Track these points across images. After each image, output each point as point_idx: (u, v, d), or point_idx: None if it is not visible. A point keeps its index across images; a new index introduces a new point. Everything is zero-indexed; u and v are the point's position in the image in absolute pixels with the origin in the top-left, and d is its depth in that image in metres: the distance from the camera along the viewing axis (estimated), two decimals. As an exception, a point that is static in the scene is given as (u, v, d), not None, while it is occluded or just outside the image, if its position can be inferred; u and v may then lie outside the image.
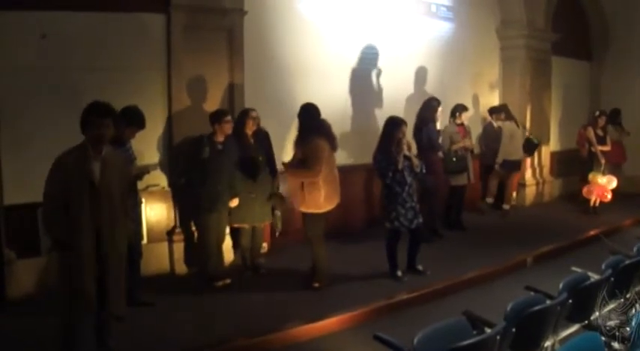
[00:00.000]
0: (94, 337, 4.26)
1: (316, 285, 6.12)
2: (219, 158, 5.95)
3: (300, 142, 6.02)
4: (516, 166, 9.70)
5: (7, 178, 5.51)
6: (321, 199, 5.95)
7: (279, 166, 6.48)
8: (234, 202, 6.15)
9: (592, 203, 9.99)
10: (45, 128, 5.59)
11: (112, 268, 4.18)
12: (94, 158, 4.10)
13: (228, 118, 6.05)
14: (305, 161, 5.88)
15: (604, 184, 9.71)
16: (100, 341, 4.32)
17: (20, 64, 5.54)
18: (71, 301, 4.10)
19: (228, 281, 6.14)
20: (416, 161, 6.27)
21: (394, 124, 6.30)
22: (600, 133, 10.19)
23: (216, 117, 6.00)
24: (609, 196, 9.79)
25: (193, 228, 6.37)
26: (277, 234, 6.91)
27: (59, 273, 4.20)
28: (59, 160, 4.06)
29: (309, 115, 6.00)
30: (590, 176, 9.84)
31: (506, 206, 9.83)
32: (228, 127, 6.02)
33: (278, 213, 6.60)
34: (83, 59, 5.86)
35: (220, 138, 6.00)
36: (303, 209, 6.06)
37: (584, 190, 9.93)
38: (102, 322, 4.30)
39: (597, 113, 10.43)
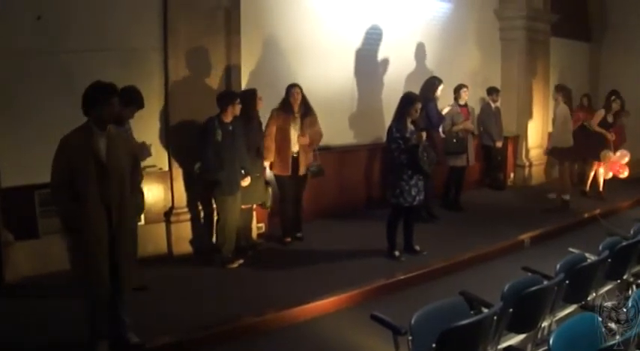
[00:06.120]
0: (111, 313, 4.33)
1: (289, 239, 6.97)
2: (232, 140, 6.00)
3: (308, 117, 6.80)
4: (570, 154, 9.09)
5: (4, 160, 5.45)
6: None
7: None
8: (247, 182, 6.20)
9: (587, 187, 9.97)
10: (41, 110, 5.53)
11: (123, 244, 4.23)
12: (99, 136, 4.11)
13: (238, 99, 6.10)
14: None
15: (617, 159, 9.67)
16: (114, 317, 4.35)
17: (16, 47, 5.45)
18: (87, 280, 4.16)
19: (241, 261, 6.25)
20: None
21: (411, 100, 6.45)
22: (610, 119, 9.75)
23: (229, 99, 6.03)
24: (625, 172, 9.76)
25: (200, 207, 6.54)
26: (268, 211, 7.05)
27: (72, 254, 4.37)
28: (64, 142, 4.07)
29: None
30: (602, 155, 9.69)
31: (566, 196, 9.10)
32: (238, 109, 6.08)
33: (269, 191, 6.74)
34: (79, 40, 5.77)
35: (228, 119, 6.02)
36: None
37: (600, 168, 9.81)
38: (116, 299, 4.33)
39: (613, 97, 9.84)
